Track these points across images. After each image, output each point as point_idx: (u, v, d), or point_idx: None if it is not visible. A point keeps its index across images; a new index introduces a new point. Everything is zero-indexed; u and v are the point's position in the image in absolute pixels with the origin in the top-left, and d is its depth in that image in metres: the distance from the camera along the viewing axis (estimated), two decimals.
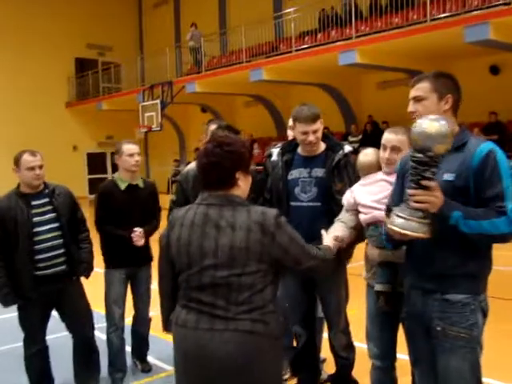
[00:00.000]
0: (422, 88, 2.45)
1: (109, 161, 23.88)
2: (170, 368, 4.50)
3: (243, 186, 2.36)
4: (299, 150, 3.62)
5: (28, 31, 22.41)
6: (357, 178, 3.46)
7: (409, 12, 12.66)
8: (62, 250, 3.84)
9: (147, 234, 4.26)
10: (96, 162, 23.86)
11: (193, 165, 3.71)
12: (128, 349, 4.57)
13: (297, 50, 14.87)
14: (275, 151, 3.71)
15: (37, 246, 3.74)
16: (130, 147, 4.27)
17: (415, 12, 12.49)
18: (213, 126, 3.86)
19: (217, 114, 20.86)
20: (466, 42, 11.10)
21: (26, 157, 3.80)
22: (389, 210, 2.35)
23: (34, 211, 3.79)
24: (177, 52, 20.04)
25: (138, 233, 4.14)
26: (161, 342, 4.68)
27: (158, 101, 17.63)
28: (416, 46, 12.30)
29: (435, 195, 2.17)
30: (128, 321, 4.51)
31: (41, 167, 3.81)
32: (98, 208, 4.27)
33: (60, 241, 3.84)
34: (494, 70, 13.92)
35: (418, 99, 2.46)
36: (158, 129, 17.76)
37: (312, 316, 3.76)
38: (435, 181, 2.17)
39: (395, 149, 2.98)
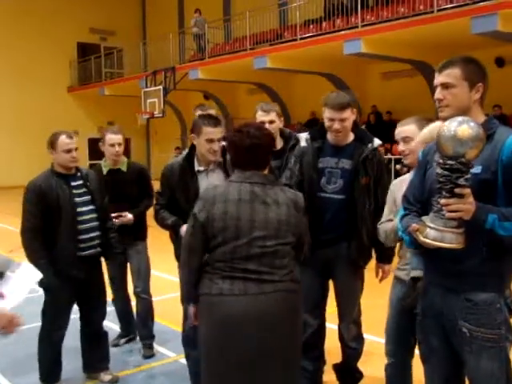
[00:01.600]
0: (451, 74, 2.25)
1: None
2: (173, 355, 4.54)
3: (269, 167, 2.73)
4: (328, 137, 3.52)
5: (31, 15, 22.27)
6: (382, 174, 3.41)
7: (415, 2, 12.52)
8: (97, 233, 3.91)
9: (136, 215, 4.47)
10: (97, 148, 23.58)
11: (178, 158, 3.69)
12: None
13: (301, 39, 14.75)
14: (303, 137, 3.62)
15: (79, 226, 3.80)
16: (111, 137, 4.48)
17: (422, 2, 12.35)
18: (198, 112, 3.99)
19: (219, 101, 20.76)
20: (473, 34, 10.99)
21: (64, 139, 3.81)
22: (404, 213, 2.23)
23: (75, 191, 3.83)
24: (180, 38, 19.90)
25: (115, 215, 4.31)
26: (163, 327, 4.68)
27: (161, 87, 17.52)
28: (422, 36, 12.20)
29: (469, 202, 2.03)
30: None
31: (76, 149, 3.84)
32: None
33: (96, 223, 3.91)
34: (500, 62, 13.81)
35: (446, 86, 2.26)
36: (160, 115, 17.66)
37: (323, 307, 3.73)
38: (468, 187, 2.03)
39: (406, 139, 2.96)
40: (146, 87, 18.34)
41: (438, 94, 2.29)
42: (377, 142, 3.50)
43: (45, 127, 20.78)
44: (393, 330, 3.10)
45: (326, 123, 3.44)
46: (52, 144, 3.82)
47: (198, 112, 3.97)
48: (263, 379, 2.56)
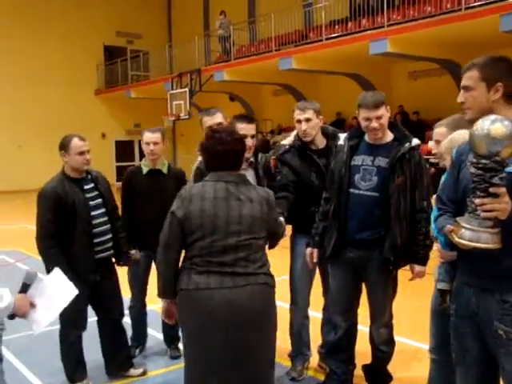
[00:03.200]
0: (470, 77, 2.28)
1: (136, 149, 24.01)
2: None
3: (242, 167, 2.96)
4: (366, 136, 3.54)
5: (58, 19, 22.62)
6: (421, 175, 3.38)
7: (442, 0, 12.37)
8: (110, 235, 3.96)
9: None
10: (124, 150, 24.03)
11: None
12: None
13: (327, 39, 14.69)
14: (341, 136, 3.66)
15: (94, 230, 3.85)
16: (147, 135, 4.41)
17: (449, 0, 12.20)
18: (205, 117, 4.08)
19: (245, 102, 20.80)
20: (502, 31, 10.80)
21: (76, 141, 3.83)
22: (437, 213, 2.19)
23: (87, 195, 3.88)
24: (205, 40, 19.98)
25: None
26: None
27: (187, 89, 17.62)
28: (449, 35, 12.05)
29: (505, 201, 2.00)
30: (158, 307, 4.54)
31: (89, 152, 3.87)
32: (122, 190, 4.48)
33: (108, 226, 3.96)
34: None
35: (466, 89, 2.30)
36: (187, 117, 17.75)
37: (354, 309, 3.72)
38: (503, 186, 2.00)
39: (437, 141, 3.01)
40: (172, 89, 18.46)
41: (460, 96, 2.33)
42: (415, 141, 3.47)
43: (72, 130, 20.89)
44: (434, 329, 3.09)
45: (363, 124, 3.45)
46: (64, 147, 3.83)
47: (205, 117, 4.04)
48: (237, 369, 2.68)
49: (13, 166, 19.79)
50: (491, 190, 1.98)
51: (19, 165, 20.24)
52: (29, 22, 22.07)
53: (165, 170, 4.47)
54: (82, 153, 3.81)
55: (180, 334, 4.56)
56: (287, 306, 4.23)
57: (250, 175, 3.68)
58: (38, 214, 3.82)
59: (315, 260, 3.77)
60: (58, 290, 2.55)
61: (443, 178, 2.55)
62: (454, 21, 11.57)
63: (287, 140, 4.09)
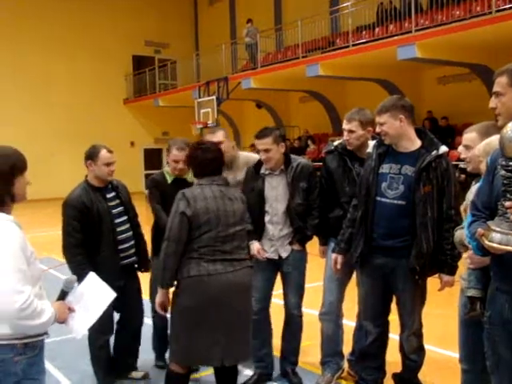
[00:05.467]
0: (500, 83, 2.30)
1: (165, 157, 24.17)
2: None
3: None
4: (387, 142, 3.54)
5: (88, 31, 22.99)
6: (448, 183, 3.35)
7: (472, 4, 12.22)
8: (132, 242, 4.09)
9: None
10: (152, 158, 24.26)
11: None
12: None
13: (354, 45, 14.62)
14: (371, 144, 3.67)
15: (118, 237, 3.96)
16: (176, 154, 4.34)
17: (479, 3, 12.04)
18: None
19: (272, 109, 20.82)
20: None
21: (104, 153, 3.96)
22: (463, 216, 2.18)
23: (110, 204, 3.99)
24: (232, 48, 20.09)
25: None
26: None
27: (214, 97, 17.72)
28: (479, 38, 11.88)
29: None
30: None
31: (114, 163, 4.01)
32: (153, 196, 4.37)
33: (130, 233, 4.08)
34: None
35: (497, 94, 2.31)
36: (214, 125, 17.84)
37: (385, 315, 3.68)
38: None
39: (467, 147, 2.97)
40: (200, 97, 18.59)
41: (491, 102, 2.35)
42: (443, 148, 3.43)
43: (101, 139, 21.12)
44: (462, 339, 3.03)
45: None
46: (92, 157, 3.93)
47: (208, 135, 4.32)
48: (236, 335, 3.33)
49: (45, 175, 20.14)
50: None
51: (51, 174, 20.58)
52: (59, 35, 22.50)
53: (189, 179, 4.46)
54: (108, 164, 3.95)
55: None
56: (316, 312, 4.22)
57: (280, 181, 4.01)
58: (63, 222, 3.90)
59: (339, 266, 3.77)
60: (95, 294, 2.58)
61: (478, 184, 2.53)
62: (484, 24, 11.40)
63: (337, 141, 4.10)
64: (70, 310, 2.44)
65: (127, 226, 4.07)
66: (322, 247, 4.18)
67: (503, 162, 2.03)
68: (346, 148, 3.95)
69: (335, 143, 4.07)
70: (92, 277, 2.68)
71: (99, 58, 23.22)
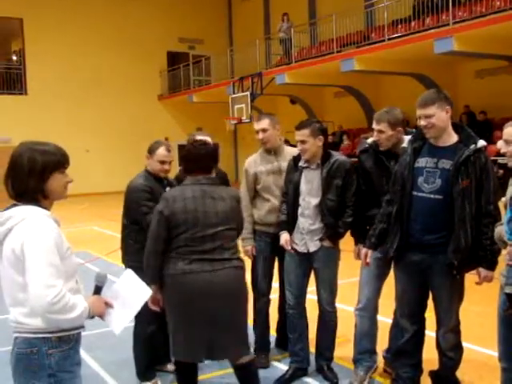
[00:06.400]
0: None
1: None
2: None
3: (214, 172, 3.51)
4: (430, 138, 3.48)
5: (123, 28, 23.29)
6: (487, 177, 3.29)
7: None
8: None
9: None
10: None
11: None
12: None
13: (389, 39, 14.44)
14: (406, 138, 3.65)
15: None
16: (164, 153, 4.16)
17: None
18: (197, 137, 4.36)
19: (306, 105, 20.73)
20: None
21: (162, 150, 4.06)
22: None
23: None
24: (266, 43, 20.05)
25: None
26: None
27: (248, 93, 17.73)
28: None
29: None
30: None
31: (170, 163, 4.11)
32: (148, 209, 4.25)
33: None
34: None
35: None
36: (248, 120, 17.85)
37: (422, 312, 3.63)
38: None
39: (507, 141, 2.91)
40: (234, 93, 18.63)
41: None
42: (481, 143, 3.35)
43: (137, 134, 21.77)
44: (501, 337, 2.98)
45: (418, 122, 3.42)
46: (151, 151, 4.07)
47: (197, 136, 4.30)
48: (222, 335, 3.33)
49: (80, 171, 20.53)
50: None
51: (87, 169, 20.92)
52: (96, 30, 22.84)
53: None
54: (163, 162, 4.05)
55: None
56: (351, 308, 4.19)
57: (316, 175, 4.01)
58: (133, 209, 3.96)
59: (368, 260, 3.74)
60: (132, 291, 2.61)
61: None
62: None
63: (370, 139, 4.06)
64: (108, 305, 2.46)
65: None
66: (356, 247, 4.14)
67: None
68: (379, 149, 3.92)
69: (369, 141, 4.03)
70: (129, 273, 2.70)
71: (134, 54, 23.49)
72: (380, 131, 3.81)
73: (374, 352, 4.13)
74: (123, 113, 23.11)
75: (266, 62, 19.97)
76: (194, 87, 23.18)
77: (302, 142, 3.96)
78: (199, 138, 4.54)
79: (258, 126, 4.41)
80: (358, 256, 4.07)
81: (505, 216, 2.41)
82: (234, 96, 18.52)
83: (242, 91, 18.25)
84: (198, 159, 3.43)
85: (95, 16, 22.85)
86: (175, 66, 24.33)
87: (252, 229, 4.44)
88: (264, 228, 4.41)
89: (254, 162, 4.48)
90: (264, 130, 4.36)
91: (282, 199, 4.23)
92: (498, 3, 12.22)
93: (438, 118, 3.33)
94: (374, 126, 3.86)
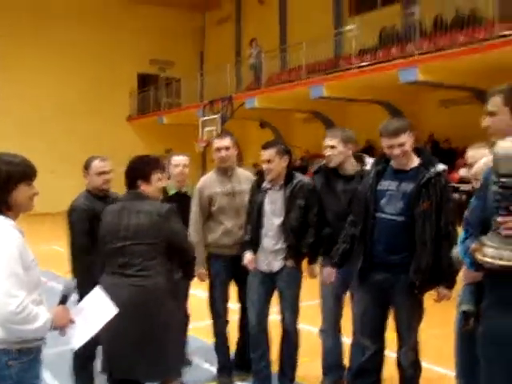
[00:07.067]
0: (494, 102, 2.36)
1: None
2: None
3: (146, 188, 3.44)
4: (392, 161, 3.60)
5: (94, 49, 23.21)
6: (447, 200, 3.41)
7: (475, 30, 12.37)
8: None
9: None
10: None
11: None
12: None
13: (357, 67, 14.76)
14: (369, 161, 3.78)
15: None
16: (176, 158, 4.72)
17: (482, 29, 12.19)
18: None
19: (275, 129, 20.93)
20: None
21: (97, 162, 4.06)
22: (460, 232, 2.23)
23: None
24: (237, 67, 20.26)
25: None
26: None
27: (218, 116, 17.84)
28: (481, 63, 11.98)
29: None
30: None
31: (109, 172, 4.08)
32: None
33: None
34: None
35: (490, 114, 2.37)
36: None
37: (383, 331, 3.73)
38: None
39: (469, 166, 3.15)
40: (204, 116, 18.71)
41: (485, 121, 2.40)
42: (441, 166, 3.50)
43: (105, 154, 21.49)
44: (458, 355, 3.08)
45: (387, 151, 3.52)
46: (87, 167, 4.08)
47: (174, 157, 4.67)
48: (128, 358, 3.26)
49: (46, 190, 20.19)
50: None
51: (52, 189, 20.62)
52: (63, 51, 22.70)
53: (191, 192, 4.65)
54: (101, 173, 4.03)
55: None
56: (316, 329, 4.25)
57: (279, 196, 4.05)
58: (71, 229, 3.98)
59: (332, 279, 3.83)
60: (96, 308, 2.61)
61: (471, 200, 2.58)
62: (487, 50, 11.53)
63: (323, 161, 4.21)
64: (71, 321, 2.46)
65: None
66: (309, 266, 4.23)
67: (495, 179, 2.09)
68: (329, 167, 4.05)
69: (321, 162, 4.18)
70: (97, 291, 2.72)
71: (104, 76, 23.40)
72: (332, 146, 3.97)
73: (340, 366, 4.20)
74: (91, 133, 22.91)
75: (236, 85, 20.15)
76: (164, 109, 23.19)
77: (268, 161, 4.05)
78: (176, 158, 4.69)
79: (221, 143, 4.45)
80: (311, 275, 4.18)
81: (460, 236, 2.52)
82: (204, 119, 18.60)
83: (213, 114, 18.35)
84: (125, 175, 3.50)
85: (68, 38, 22.69)
86: (145, 88, 24.33)
87: (204, 251, 4.46)
88: (219, 251, 4.43)
89: (208, 183, 4.51)
90: (227, 148, 4.43)
91: (247, 219, 4.28)
92: (461, 38, 12.66)
93: (409, 145, 3.47)
94: (327, 141, 4.02)
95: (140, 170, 3.49)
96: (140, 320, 3.26)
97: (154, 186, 3.48)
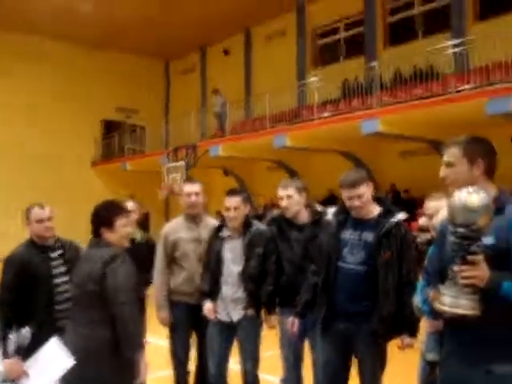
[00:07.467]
0: (452, 153, 2.41)
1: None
2: None
3: (109, 235, 3.28)
4: (352, 212, 3.64)
5: (59, 94, 23.14)
6: (407, 248, 3.46)
7: (432, 84, 12.86)
8: None
9: None
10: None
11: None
12: None
13: (319, 118, 15.09)
14: (330, 211, 3.82)
15: (56, 298, 3.88)
16: (41, 211, 4.17)
17: (439, 84, 12.69)
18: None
19: (238, 177, 21.06)
20: (488, 114, 11.19)
21: (36, 210, 3.99)
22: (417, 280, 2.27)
23: (53, 263, 3.96)
24: (202, 116, 20.47)
25: None
26: None
27: (183, 163, 17.88)
28: (438, 116, 12.44)
29: (482, 269, 2.10)
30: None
31: (49, 219, 3.99)
32: None
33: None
34: None
35: (448, 165, 2.42)
36: (181, 191, 17.88)
37: (344, 381, 3.70)
38: (481, 254, 2.10)
39: (428, 216, 3.23)
40: (168, 163, 18.73)
41: (442, 172, 2.44)
42: (401, 216, 3.56)
43: (68, 201, 21.27)
44: None
45: (346, 203, 3.57)
46: (27, 216, 4.01)
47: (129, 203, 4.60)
48: None
49: (6, 236, 19.73)
50: (469, 257, 2.08)
51: (12, 236, 20.14)
52: (28, 96, 22.55)
53: (139, 238, 4.74)
54: (40, 221, 3.95)
55: None
56: (276, 379, 4.20)
57: (238, 244, 4.03)
58: (2, 279, 3.90)
59: (295, 329, 3.81)
60: (52, 360, 2.55)
61: (429, 250, 2.63)
62: (443, 103, 11.98)
63: (276, 212, 4.26)
64: (24, 373, 2.40)
65: (68, 286, 3.96)
66: (268, 316, 4.22)
67: (452, 229, 2.13)
68: (283, 216, 4.09)
69: (274, 213, 4.24)
70: (53, 342, 2.66)
71: (70, 121, 23.28)
72: (288, 196, 4.00)
73: None
74: (55, 179, 22.62)
75: (201, 134, 20.32)
76: (128, 155, 23.14)
77: (235, 208, 4.07)
78: (189, 188, 4.63)
79: (191, 188, 4.48)
80: (269, 326, 4.16)
81: (419, 285, 2.56)
82: (168, 166, 18.61)
83: (177, 161, 18.39)
84: (90, 222, 3.40)
85: (32, 85, 22.61)
86: (110, 134, 24.31)
87: (167, 296, 4.42)
88: (180, 297, 4.41)
89: (174, 228, 4.51)
90: (196, 194, 4.46)
91: (204, 268, 4.26)
92: (420, 91, 13.14)
93: (367, 196, 3.53)
94: (282, 192, 4.05)
95: (102, 216, 3.36)
96: (77, 373, 2.97)
97: (119, 232, 3.32)
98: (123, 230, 3.34)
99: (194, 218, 4.49)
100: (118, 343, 3.03)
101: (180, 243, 4.41)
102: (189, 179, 4.79)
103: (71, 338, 3.11)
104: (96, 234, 3.36)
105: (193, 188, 4.50)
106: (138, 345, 3.10)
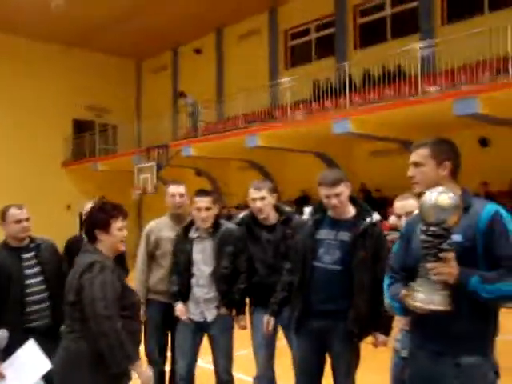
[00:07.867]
0: (420, 154, 2.49)
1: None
2: None
3: (105, 238, 3.11)
4: (329, 211, 3.69)
5: (29, 92, 22.82)
6: (382, 248, 3.54)
7: (401, 85, 13.07)
8: (47, 304, 3.96)
9: None
10: None
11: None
12: None
13: (291, 118, 15.18)
14: (307, 210, 3.83)
15: (27, 299, 3.86)
16: (17, 212, 4.10)
17: (407, 85, 12.89)
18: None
19: (211, 177, 21.05)
20: (455, 115, 11.43)
21: (13, 210, 3.98)
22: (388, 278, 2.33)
23: (25, 264, 3.94)
24: (174, 116, 20.40)
25: None
26: None
27: (154, 163, 17.82)
28: (407, 117, 12.65)
29: (453, 265, 2.19)
30: None
31: (27, 220, 3.98)
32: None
33: (45, 294, 3.97)
34: (484, 142, 14.22)
35: (416, 165, 2.50)
36: (154, 191, 17.84)
37: (319, 379, 3.76)
38: (451, 251, 2.19)
39: (398, 216, 3.32)
40: (140, 163, 18.63)
41: (410, 171, 2.53)
42: (376, 216, 3.65)
43: (38, 202, 20.94)
44: None
45: (324, 201, 3.62)
46: (3, 216, 3.99)
47: (87, 205, 4.59)
48: None
49: None
50: (441, 254, 2.17)
51: None
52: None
53: None
54: (18, 221, 3.95)
55: None
56: (249, 378, 4.24)
57: (208, 245, 4.07)
58: None
59: (270, 328, 3.86)
60: (29, 362, 2.54)
61: (393, 248, 2.72)
62: (412, 104, 12.19)
63: (242, 213, 4.30)
64: (1, 375, 2.40)
65: (42, 286, 3.99)
66: (238, 317, 4.26)
67: (423, 228, 2.22)
68: (253, 217, 4.13)
69: (240, 215, 4.28)
70: (30, 344, 2.65)
71: (39, 120, 22.95)
72: (262, 198, 4.04)
73: None
74: (24, 179, 22.30)
75: (173, 134, 20.25)
76: (99, 155, 22.93)
77: (207, 208, 4.10)
78: (175, 189, 4.62)
79: (176, 189, 4.53)
80: (240, 326, 4.20)
81: (384, 283, 2.64)
82: (139, 166, 18.51)
83: (148, 162, 18.30)
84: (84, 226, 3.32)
85: (2, 81, 22.26)
86: (81, 134, 24.04)
87: (146, 293, 4.45)
88: (154, 296, 4.44)
89: (157, 227, 4.54)
90: (181, 195, 4.51)
91: (171, 270, 4.29)
92: (392, 93, 13.33)
93: (345, 195, 3.59)
94: (256, 194, 4.07)
95: (97, 218, 3.17)
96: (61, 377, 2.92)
97: (114, 236, 3.14)
98: (119, 233, 3.15)
99: (178, 218, 4.53)
100: (102, 357, 2.84)
101: (162, 242, 4.45)
102: (174, 181, 4.75)
103: (59, 349, 3.02)
104: (91, 237, 3.17)
105: (178, 189, 4.55)
106: (125, 358, 2.86)
